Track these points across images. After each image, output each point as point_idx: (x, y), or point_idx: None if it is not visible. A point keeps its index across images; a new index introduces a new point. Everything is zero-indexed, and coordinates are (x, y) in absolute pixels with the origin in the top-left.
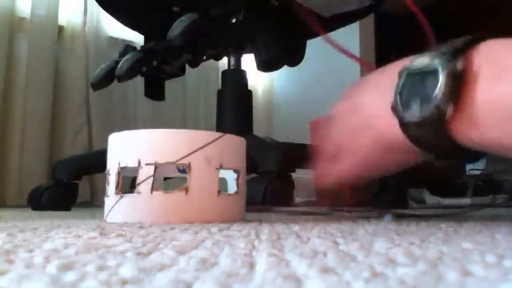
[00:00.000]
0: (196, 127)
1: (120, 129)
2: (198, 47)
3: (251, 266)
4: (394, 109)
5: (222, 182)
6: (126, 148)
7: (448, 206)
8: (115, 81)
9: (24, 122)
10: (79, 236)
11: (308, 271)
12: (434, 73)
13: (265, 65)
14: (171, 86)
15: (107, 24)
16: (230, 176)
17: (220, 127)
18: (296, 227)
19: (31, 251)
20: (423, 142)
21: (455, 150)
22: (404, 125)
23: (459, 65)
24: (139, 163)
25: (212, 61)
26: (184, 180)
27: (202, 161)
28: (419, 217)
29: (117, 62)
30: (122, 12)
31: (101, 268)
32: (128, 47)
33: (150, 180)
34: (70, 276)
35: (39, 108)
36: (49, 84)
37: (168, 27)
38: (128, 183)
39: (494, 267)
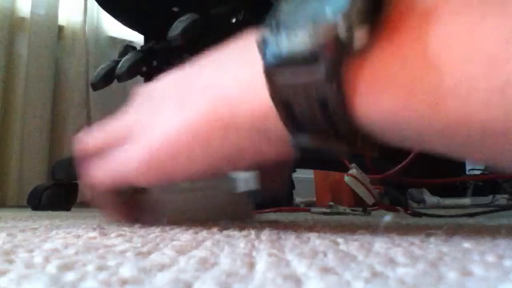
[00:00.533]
0: None
1: None
2: (198, 47)
3: (251, 266)
4: (259, 46)
5: (233, 181)
6: None
7: (448, 206)
8: (115, 81)
9: (24, 122)
10: (79, 236)
11: (308, 271)
12: None
13: None
14: None
15: (107, 24)
16: (241, 176)
17: None
18: (296, 227)
19: (31, 251)
20: (298, 112)
21: (349, 133)
22: (270, 67)
23: None
24: None
25: None
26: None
27: None
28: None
29: (117, 62)
30: (122, 12)
31: (101, 268)
32: (128, 47)
33: None
34: (70, 276)
35: (39, 108)
36: (49, 84)
37: (168, 27)
38: None
39: (494, 267)
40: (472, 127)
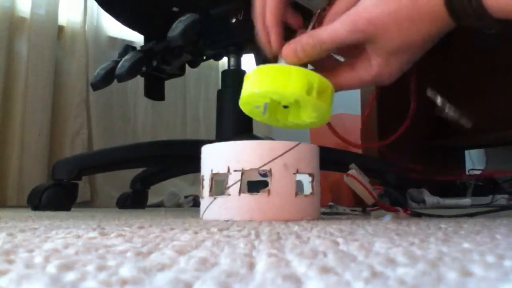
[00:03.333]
0: (196, 127)
1: (120, 129)
2: (198, 47)
3: (251, 266)
4: None
5: (299, 184)
6: (217, 157)
7: (448, 206)
8: (115, 81)
9: (24, 122)
10: (79, 236)
11: (308, 271)
12: None
13: None
14: (171, 86)
15: (107, 24)
16: (305, 179)
17: (220, 127)
18: (296, 227)
19: (31, 251)
20: (456, 8)
21: (483, 16)
22: None
23: None
24: (228, 170)
25: (212, 61)
26: (266, 183)
27: (281, 167)
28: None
29: (117, 62)
30: (122, 12)
31: (101, 268)
32: (128, 47)
33: (238, 184)
34: (70, 276)
35: (39, 108)
36: (49, 84)
37: (168, 27)
38: (220, 187)
39: (494, 267)
40: None
